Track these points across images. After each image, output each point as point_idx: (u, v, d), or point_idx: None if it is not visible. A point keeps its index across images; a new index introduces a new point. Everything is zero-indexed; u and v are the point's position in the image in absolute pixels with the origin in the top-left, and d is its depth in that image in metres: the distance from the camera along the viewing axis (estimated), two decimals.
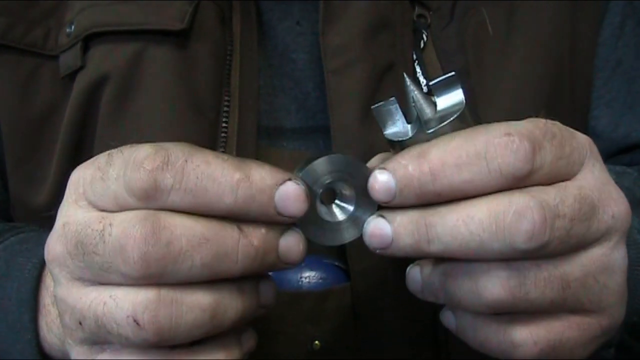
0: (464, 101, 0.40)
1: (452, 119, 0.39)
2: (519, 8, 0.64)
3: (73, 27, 0.61)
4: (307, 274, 0.59)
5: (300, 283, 0.59)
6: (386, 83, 0.61)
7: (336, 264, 0.59)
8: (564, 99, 0.66)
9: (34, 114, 0.62)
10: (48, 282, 0.47)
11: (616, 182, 0.41)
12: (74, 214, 0.39)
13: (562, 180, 0.39)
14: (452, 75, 0.40)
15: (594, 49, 0.68)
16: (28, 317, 0.46)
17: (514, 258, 0.38)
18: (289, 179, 0.37)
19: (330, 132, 0.58)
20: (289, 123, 0.63)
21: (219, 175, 0.36)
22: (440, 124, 0.39)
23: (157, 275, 0.36)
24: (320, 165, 0.40)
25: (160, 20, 0.59)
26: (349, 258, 0.58)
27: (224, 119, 0.59)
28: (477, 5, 0.63)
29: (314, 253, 0.60)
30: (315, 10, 0.61)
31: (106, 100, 0.59)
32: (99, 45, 0.60)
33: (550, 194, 0.37)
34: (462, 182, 0.37)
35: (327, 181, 0.40)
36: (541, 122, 0.39)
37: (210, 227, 0.36)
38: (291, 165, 0.42)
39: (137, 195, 0.36)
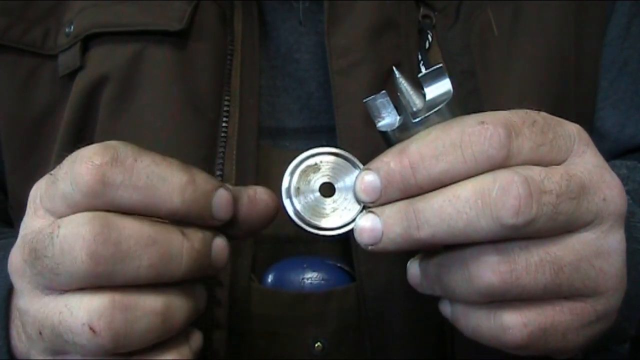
0: (452, 90, 0.40)
1: (439, 107, 0.40)
2: (525, 8, 0.64)
3: (72, 27, 0.60)
4: (309, 275, 0.58)
5: (302, 284, 0.58)
6: (391, 83, 0.60)
7: (339, 265, 0.59)
8: (569, 100, 0.65)
9: (33, 114, 0.61)
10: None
11: (628, 177, 0.40)
12: (32, 225, 0.39)
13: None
14: (440, 67, 0.41)
15: (600, 50, 0.68)
16: (1, 324, 0.46)
17: (503, 237, 0.37)
18: (222, 187, 0.40)
19: (336, 132, 0.58)
20: (291, 123, 0.62)
21: (168, 175, 0.37)
22: (428, 113, 0.40)
23: (105, 275, 0.36)
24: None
25: (159, 21, 0.59)
26: (355, 259, 0.57)
27: (224, 119, 0.59)
28: (482, 6, 0.63)
29: (317, 254, 0.59)
30: (318, 10, 0.61)
31: (105, 100, 0.59)
32: (99, 46, 0.60)
33: (535, 171, 0.37)
34: (440, 172, 0.38)
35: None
36: (522, 110, 0.39)
37: (157, 230, 0.37)
38: None
39: (83, 190, 0.36)
